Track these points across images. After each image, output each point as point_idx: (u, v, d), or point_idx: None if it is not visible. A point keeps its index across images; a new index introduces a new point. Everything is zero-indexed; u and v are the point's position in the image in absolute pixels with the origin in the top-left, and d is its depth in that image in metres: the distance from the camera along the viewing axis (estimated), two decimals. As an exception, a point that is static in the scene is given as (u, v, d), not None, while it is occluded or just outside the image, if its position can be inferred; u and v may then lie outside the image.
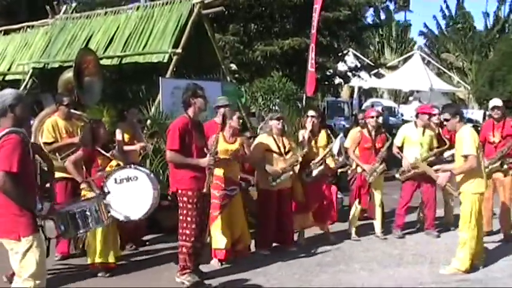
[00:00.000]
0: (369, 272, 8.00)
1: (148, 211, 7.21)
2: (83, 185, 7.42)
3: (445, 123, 8.28)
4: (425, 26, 51.17)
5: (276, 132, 8.79)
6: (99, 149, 7.66)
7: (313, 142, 9.28)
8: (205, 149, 7.32)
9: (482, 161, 7.96)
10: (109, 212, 6.35)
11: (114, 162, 7.77)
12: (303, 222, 9.36)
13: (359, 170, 9.69)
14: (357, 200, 9.74)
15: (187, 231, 7.15)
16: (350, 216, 9.87)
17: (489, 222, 9.89)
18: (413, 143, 9.77)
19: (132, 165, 7.53)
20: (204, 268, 7.65)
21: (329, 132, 9.67)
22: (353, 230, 9.78)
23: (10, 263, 5.25)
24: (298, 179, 9.08)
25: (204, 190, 7.16)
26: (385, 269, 8.13)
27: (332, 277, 7.78)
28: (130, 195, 7.10)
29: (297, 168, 9.02)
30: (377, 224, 9.85)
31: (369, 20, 26.75)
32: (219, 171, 7.99)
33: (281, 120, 8.84)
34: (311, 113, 9.47)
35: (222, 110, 8.65)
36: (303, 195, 9.08)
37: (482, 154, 8.13)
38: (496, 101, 10.03)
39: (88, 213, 5.89)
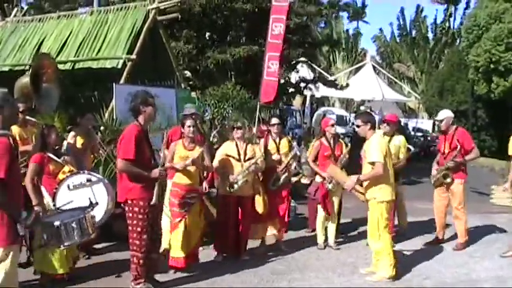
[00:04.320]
0: (324, 280, 8.03)
1: (103, 218, 7.01)
2: (36, 208, 7.13)
3: (356, 129, 8.36)
4: (381, 30, 51.69)
5: (237, 139, 8.86)
6: (50, 155, 7.50)
7: (275, 149, 9.33)
8: (152, 160, 7.24)
9: (390, 169, 8.07)
10: (95, 223, 6.12)
11: (66, 168, 7.61)
12: (264, 232, 9.36)
13: (319, 179, 9.74)
14: (322, 209, 9.76)
15: (137, 242, 7.05)
16: (317, 225, 9.86)
17: (441, 230, 10.08)
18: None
19: (85, 171, 7.41)
20: (159, 277, 7.58)
21: (290, 139, 9.75)
22: (320, 239, 9.80)
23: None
24: (263, 189, 9.09)
25: (153, 201, 7.04)
26: (339, 278, 8.17)
27: (287, 285, 7.79)
28: (84, 201, 6.77)
29: (260, 177, 9.10)
30: (330, 233, 9.86)
31: (320, 29, 26.78)
32: (178, 179, 7.95)
33: (240, 130, 8.88)
34: (275, 120, 9.53)
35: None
36: (266, 204, 9.09)
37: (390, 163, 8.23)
38: (441, 114, 10.19)
39: (74, 225, 5.70)
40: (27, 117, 8.50)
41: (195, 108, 9.38)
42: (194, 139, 8.21)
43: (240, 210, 8.81)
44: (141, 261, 7.10)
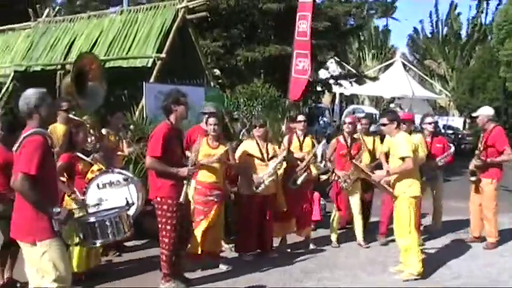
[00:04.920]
0: (353, 279, 8.01)
1: (133, 215, 7.03)
2: (72, 195, 7.26)
3: (382, 127, 8.34)
4: (415, 29, 51.13)
5: (260, 139, 8.80)
6: (79, 154, 7.55)
7: (298, 148, 9.30)
8: (183, 159, 7.30)
9: (417, 166, 8.03)
10: (130, 222, 6.06)
11: (95, 167, 7.65)
12: (285, 229, 9.36)
13: (334, 177, 9.74)
14: (336, 207, 9.79)
15: (166, 240, 7.10)
16: (331, 224, 9.87)
17: (477, 228, 10.00)
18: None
19: (115, 170, 7.44)
20: (188, 275, 7.62)
21: (313, 138, 9.71)
22: (334, 237, 9.79)
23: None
24: (282, 187, 9.08)
25: (180, 200, 7.06)
26: (369, 276, 8.14)
27: (317, 283, 7.78)
28: (114, 200, 6.87)
29: (280, 175, 9.04)
30: (358, 232, 9.83)
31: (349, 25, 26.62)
32: (203, 177, 7.98)
33: (263, 128, 8.84)
34: (301, 117, 9.50)
35: (206, 116, 8.63)
36: (286, 202, 9.07)
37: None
38: (478, 111, 10.14)
39: (108, 223, 5.66)
40: (71, 116, 8.58)
41: (214, 107, 9.34)
42: (218, 137, 8.23)
43: (264, 208, 8.76)
44: (170, 258, 7.15)
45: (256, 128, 8.87)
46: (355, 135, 9.91)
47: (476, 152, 9.82)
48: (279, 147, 9.23)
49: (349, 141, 9.75)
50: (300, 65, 14.37)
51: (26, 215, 4.93)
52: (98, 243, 5.82)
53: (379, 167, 8.96)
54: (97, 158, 7.84)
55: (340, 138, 9.86)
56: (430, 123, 10.43)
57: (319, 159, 10.91)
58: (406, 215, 7.87)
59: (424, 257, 8.03)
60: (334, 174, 9.79)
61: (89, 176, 7.45)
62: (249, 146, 8.83)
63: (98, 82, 11.61)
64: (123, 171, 7.49)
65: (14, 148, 5.06)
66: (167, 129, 7.09)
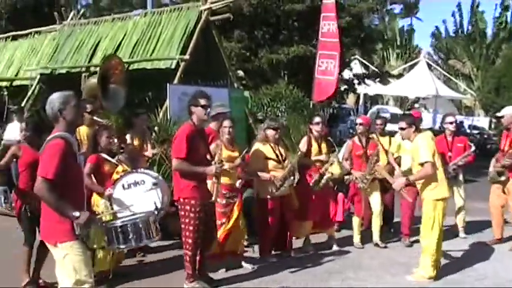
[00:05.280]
0: (377, 279, 8.00)
1: (158, 217, 7.05)
2: (107, 192, 7.34)
3: (400, 132, 8.30)
4: (437, 28, 50.76)
5: (273, 141, 8.75)
6: (104, 155, 7.63)
7: (317, 150, 9.28)
8: (208, 157, 7.34)
9: (441, 167, 7.96)
10: (158, 228, 6.01)
11: (120, 168, 7.73)
12: (303, 230, 9.35)
13: (352, 178, 9.74)
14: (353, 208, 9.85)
15: (190, 240, 7.13)
16: (353, 224, 9.88)
17: (499, 229, 9.93)
18: (406, 151, 9.67)
19: (139, 169, 7.51)
20: (213, 276, 7.68)
21: (330, 140, 9.66)
22: (356, 239, 9.79)
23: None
24: (292, 187, 9.02)
25: (213, 199, 7.16)
26: (393, 277, 8.12)
27: (340, 284, 7.78)
28: (139, 199, 7.00)
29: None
30: (375, 232, 9.80)
31: (373, 26, 26.51)
32: (222, 179, 7.98)
33: (278, 130, 8.80)
34: (318, 119, 9.43)
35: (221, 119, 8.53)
36: (307, 203, 9.06)
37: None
38: (503, 110, 10.10)
39: (134, 228, 5.64)
40: (95, 118, 8.65)
41: (223, 106, 9.17)
42: (232, 139, 8.27)
43: (282, 209, 8.73)
44: (193, 259, 7.20)
45: (269, 129, 8.76)
46: (370, 136, 9.88)
47: (498, 153, 9.80)
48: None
49: (364, 141, 9.73)
50: (323, 66, 14.33)
51: (49, 217, 4.95)
52: (123, 247, 5.81)
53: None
54: (121, 159, 7.92)
55: (355, 139, 9.85)
56: (451, 123, 10.34)
57: (341, 159, 10.89)
58: (429, 217, 7.83)
59: (447, 260, 7.97)
60: (351, 175, 9.78)
61: (114, 176, 7.54)
62: (263, 149, 8.71)
63: (120, 85, 11.69)
64: (148, 171, 7.57)
65: (40, 152, 5.09)
66: (189, 130, 7.15)
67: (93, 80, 11.65)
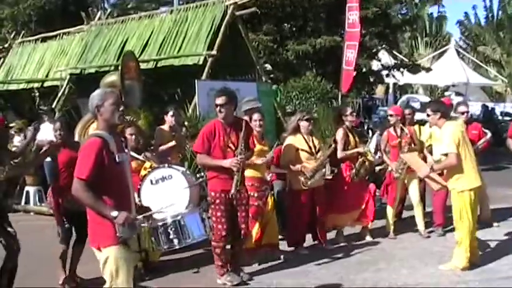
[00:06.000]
0: (410, 270, 7.96)
1: (188, 206, 6.98)
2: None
3: (427, 118, 8.22)
4: (466, 14, 50.05)
5: (306, 132, 8.78)
6: (131, 152, 7.65)
7: (353, 142, 9.29)
8: (233, 149, 7.28)
9: (469, 156, 7.81)
10: (205, 225, 5.74)
11: (147, 164, 7.78)
12: (338, 221, 9.37)
13: (389, 168, 9.73)
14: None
15: (216, 232, 7.15)
16: (387, 215, 9.84)
17: None
18: (437, 139, 9.59)
19: (166, 164, 7.56)
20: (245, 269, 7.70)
21: (362, 131, 9.66)
22: (390, 228, 9.76)
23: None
24: (323, 179, 9.01)
25: (232, 191, 7.13)
26: (426, 267, 8.07)
27: (373, 275, 7.76)
28: (168, 194, 7.06)
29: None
30: (419, 221, 9.75)
31: (401, 15, 26.21)
32: (253, 173, 8.02)
33: (311, 121, 8.83)
34: (349, 109, 9.48)
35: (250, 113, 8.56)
36: (348, 194, 9.13)
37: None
38: None
39: (170, 229, 5.36)
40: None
41: (255, 101, 9.17)
42: (262, 133, 8.28)
43: (314, 201, 8.77)
44: (221, 250, 7.25)
45: (303, 121, 8.80)
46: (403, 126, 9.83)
47: None
48: (332, 141, 9.24)
49: (398, 131, 9.68)
50: (348, 56, 14.33)
51: (92, 219, 4.83)
52: (166, 247, 5.49)
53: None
54: (148, 156, 7.98)
55: (391, 129, 9.81)
56: (462, 113, 10.11)
57: (372, 150, 10.87)
58: (456, 209, 7.76)
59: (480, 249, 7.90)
60: (383, 165, 9.77)
61: (142, 173, 7.60)
62: (295, 140, 8.77)
63: (136, 81, 11.73)
64: (174, 166, 7.61)
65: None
66: (212, 125, 7.31)
67: (110, 77, 11.65)
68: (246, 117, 8.46)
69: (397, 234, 9.70)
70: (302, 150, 8.67)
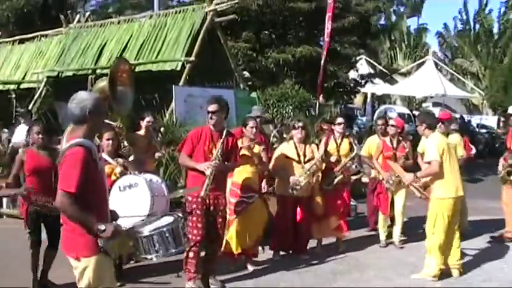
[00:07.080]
0: (384, 280, 7.96)
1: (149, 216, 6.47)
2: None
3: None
4: (445, 26, 50.50)
5: (297, 141, 8.80)
6: (105, 156, 7.54)
7: (335, 150, 9.30)
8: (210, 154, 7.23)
9: (451, 166, 7.92)
10: (185, 234, 5.66)
11: (118, 169, 7.68)
12: (323, 231, 9.35)
13: (380, 177, 9.77)
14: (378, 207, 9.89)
15: (189, 236, 7.00)
16: (379, 223, 9.89)
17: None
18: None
19: (133, 172, 7.47)
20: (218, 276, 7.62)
21: (351, 141, 9.60)
22: (383, 236, 9.79)
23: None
24: (319, 190, 9.07)
25: (201, 194, 6.98)
26: (400, 277, 8.08)
27: (347, 285, 7.74)
28: (132, 202, 6.79)
29: (318, 177, 9.06)
30: (396, 232, 9.78)
31: (379, 25, 26.41)
32: (237, 178, 8.03)
33: (302, 129, 8.83)
34: (340, 119, 9.54)
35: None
36: (323, 205, 9.07)
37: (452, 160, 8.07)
38: (510, 108, 10.08)
39: (157, 237, 5.17)
40: (105, 121, 8.62)
41: (261, 110, 9.30)
42: (254, 140, 8.26)
43: (299, 210, 8.81)
44: (193, 255, 7.13)
45: (295, 129, 8.86)
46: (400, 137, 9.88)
47: (506, 152, 9.77)
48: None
49: (395, 143, 9.73)
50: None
51: (70, 229, 4.57)
52: (152, 257, 5.26)
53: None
54: (119, 161, 7.84)
55: (387, 140, 9.83)
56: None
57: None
58: (432, 214, 7.87)
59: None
60: (379, 174, 9.84)
61: (113, 178, 7.50)
62: (286, 148, 8.88)
63: (128, 87, 11.68)
64: (141, 174, 7.46)
65: (58, 160, 4.67)
66: (201, 130, 7.40)
67: (102, 83, 11.60)
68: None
69: (371, 245, 9.70)
70: (289, 157, 8.71)
